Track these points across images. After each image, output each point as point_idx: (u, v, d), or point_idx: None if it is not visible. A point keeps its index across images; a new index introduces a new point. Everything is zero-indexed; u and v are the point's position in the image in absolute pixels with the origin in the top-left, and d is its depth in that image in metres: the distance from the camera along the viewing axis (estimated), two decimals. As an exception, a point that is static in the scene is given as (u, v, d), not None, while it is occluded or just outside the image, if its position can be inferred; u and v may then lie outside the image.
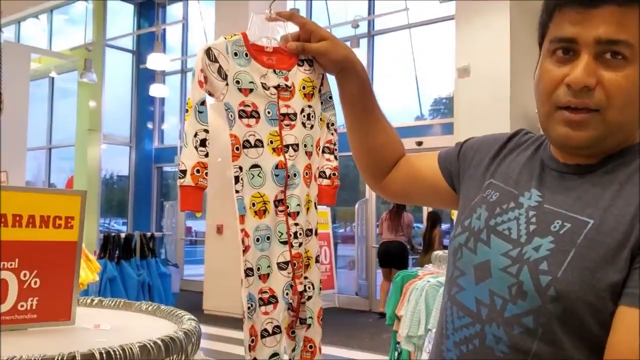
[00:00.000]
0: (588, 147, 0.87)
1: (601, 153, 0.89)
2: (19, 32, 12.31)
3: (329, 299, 8.71)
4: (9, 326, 1.09)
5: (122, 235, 5.77)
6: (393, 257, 7.63)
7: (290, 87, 1.14)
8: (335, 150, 1.21)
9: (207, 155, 1.05)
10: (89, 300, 1.54)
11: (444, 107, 9.72)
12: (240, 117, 1.09)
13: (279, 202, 1.11)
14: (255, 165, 1.09)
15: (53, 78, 11.26)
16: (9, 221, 1.17)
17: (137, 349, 0.86)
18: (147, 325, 1.17)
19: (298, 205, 1.13)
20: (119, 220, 12.07)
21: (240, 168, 1.08)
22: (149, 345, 0.87)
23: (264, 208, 1.10)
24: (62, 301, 1.28)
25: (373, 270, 8.71)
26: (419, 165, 1.19)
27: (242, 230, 1.07)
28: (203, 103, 1.06)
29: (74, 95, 10.77)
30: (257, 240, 1.09)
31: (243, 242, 1.07)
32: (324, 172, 1.20)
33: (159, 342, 0.89)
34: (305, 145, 1.16)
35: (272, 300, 1.11)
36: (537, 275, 0.83)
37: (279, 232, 1.11)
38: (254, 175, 1.09)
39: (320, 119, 1.18)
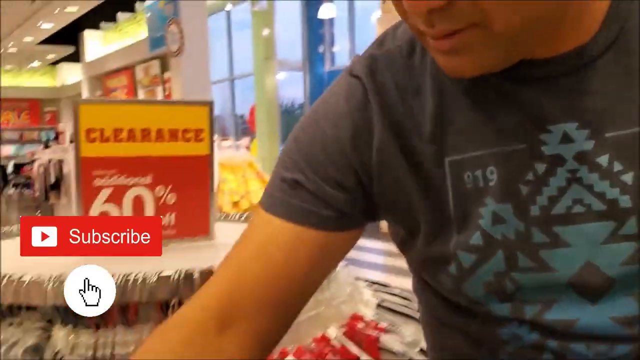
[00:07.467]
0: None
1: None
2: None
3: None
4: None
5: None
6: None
7: None
8: None
9: None
10: (237, 216, 1.54)
11: None
12: None
13: None
14: None
15: (229, 11, 11.73)
16: (137, 136, 1.12)
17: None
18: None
19: None
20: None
21: None
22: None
23: None
24: (200, 217, 1.24)
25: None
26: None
27: None
28: None
29: (249, 25, 11.15)
30: None
31: None
32: None
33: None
34: None
35: None
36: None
37: None
38: None
39: None
